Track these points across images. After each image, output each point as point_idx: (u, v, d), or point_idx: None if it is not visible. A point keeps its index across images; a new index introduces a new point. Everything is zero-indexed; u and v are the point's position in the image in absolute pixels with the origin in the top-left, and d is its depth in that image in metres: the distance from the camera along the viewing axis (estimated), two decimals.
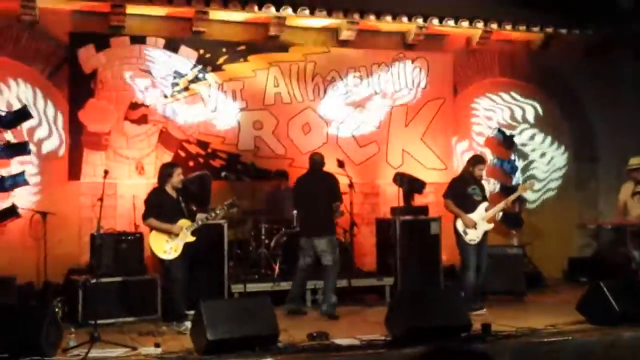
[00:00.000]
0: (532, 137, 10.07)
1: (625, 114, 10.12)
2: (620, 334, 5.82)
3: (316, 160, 7.31)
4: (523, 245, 8.88)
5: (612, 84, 10.17)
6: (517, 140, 9.85)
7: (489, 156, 9.71)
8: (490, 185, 9.02)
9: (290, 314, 6.93)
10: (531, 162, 10.03)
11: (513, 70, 10.07)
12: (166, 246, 6.32)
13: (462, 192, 7.26)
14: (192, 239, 6.44)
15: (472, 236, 7.16)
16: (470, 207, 7.20)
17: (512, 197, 7.60)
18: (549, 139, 10.14)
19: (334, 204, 7.13)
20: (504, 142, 9.87)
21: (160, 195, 6.52)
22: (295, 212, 8.05)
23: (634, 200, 7.63)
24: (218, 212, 6.62)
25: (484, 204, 7.27)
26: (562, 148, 10.18)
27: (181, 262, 6.37)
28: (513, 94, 10.02)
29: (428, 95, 9.58)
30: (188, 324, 5.82)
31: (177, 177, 6.55)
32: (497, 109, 9.96)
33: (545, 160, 10.11)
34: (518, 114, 10.05)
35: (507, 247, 8.43)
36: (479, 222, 7.18)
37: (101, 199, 5.85)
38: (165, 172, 6.62)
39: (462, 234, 7.17)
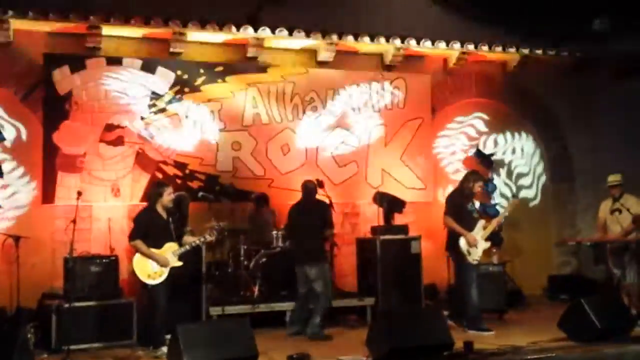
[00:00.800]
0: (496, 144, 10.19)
1: (601, 133, 10.23)
2: (602, 351, 5.80)
3: (308, 188, 7.28)
4: (503, 262, 8.86)
5: (588, 103, 10.30)
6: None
7: None
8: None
9: (293, 336, 6.92)
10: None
11: (490, 91, 10.16)
12: (151, 270, 6.17)
13: (463, 209, 7.09)
14: (178, 264, 6.28)
15: (475, 255, 6.98)
16: (470, 224, 7.04)
17: (504, 213, 7.52)
18: (510, 137, 10.24)
19: (327, 232, 7.17)
20: (483, 162, 9.91)
21: (150, 215, 6.37)
22: (276, 232, 8.01)
23: (613, 217, 7.64)
24: (207, 236, 6.48)
25: (482, 222, 7.13)
26: (530, 137, 10.31)
27: (164, 287, 6.22)
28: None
29: (407, 115, 9.60)
30: (165, 349, 5.67)
31: (168, 196, 6.41)
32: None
33: (519, 155, 10.23)
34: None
35: (488, 265, 8.39)
36: (479, 241, 7.02)
37: (74, 221, 5.71)
38: (155, 191, 6.52)
39: (466, 253, 6.95)
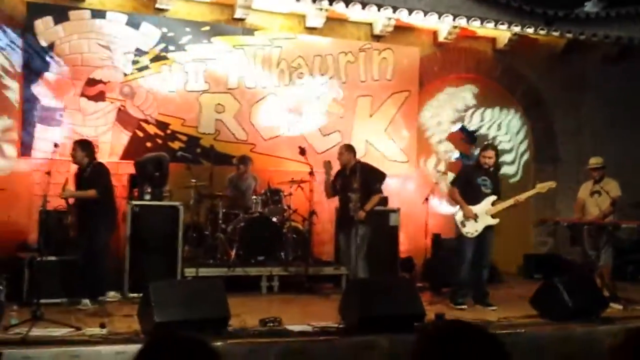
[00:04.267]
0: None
1: (586, 115, 10.24)
2: (572, 329, 5.86)
3: None
4: None
5: (575, 86, 10.29)
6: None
7: (455, 152, 9.79)
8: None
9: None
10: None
11: (478, 67, 10.09)
12: None
13: (470, 181, 6.96)
14: None
15: (470, 229, 6.83)
16: (476, 198, 6.89)
17: (525, 195, 7.13)
18: (498, 113, 10.19)
19: None
20: (467, 138, 9.88)
21: None
22: (255, 198, 7.97)
23: (592, 199, 7.66)
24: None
25: (491, 198, 6.91)
26: (517, 115, 10.28)
27: None
28: None
29: (393, 87, 9.53)
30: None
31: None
32: None
33: (504, 131, 10.20)
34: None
35: None
36: (481, 215, 6.83)
37: (48, 173, 5.61)
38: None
39: (460, 225, 6.87)
